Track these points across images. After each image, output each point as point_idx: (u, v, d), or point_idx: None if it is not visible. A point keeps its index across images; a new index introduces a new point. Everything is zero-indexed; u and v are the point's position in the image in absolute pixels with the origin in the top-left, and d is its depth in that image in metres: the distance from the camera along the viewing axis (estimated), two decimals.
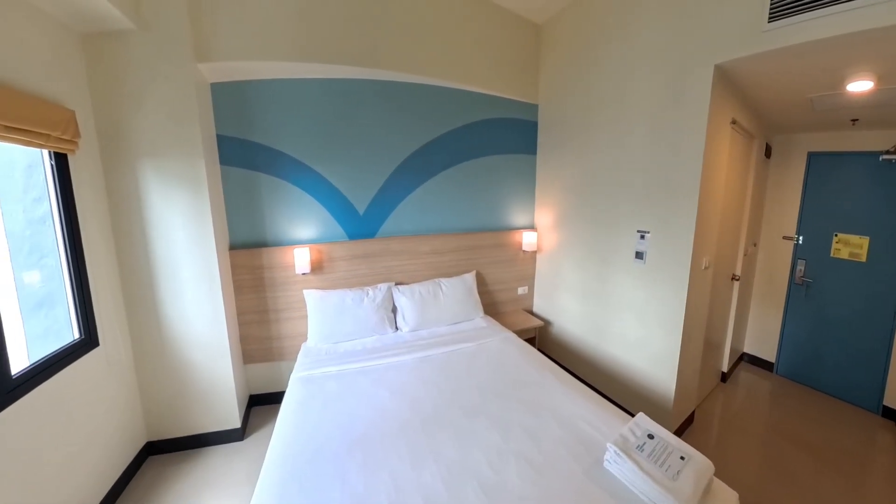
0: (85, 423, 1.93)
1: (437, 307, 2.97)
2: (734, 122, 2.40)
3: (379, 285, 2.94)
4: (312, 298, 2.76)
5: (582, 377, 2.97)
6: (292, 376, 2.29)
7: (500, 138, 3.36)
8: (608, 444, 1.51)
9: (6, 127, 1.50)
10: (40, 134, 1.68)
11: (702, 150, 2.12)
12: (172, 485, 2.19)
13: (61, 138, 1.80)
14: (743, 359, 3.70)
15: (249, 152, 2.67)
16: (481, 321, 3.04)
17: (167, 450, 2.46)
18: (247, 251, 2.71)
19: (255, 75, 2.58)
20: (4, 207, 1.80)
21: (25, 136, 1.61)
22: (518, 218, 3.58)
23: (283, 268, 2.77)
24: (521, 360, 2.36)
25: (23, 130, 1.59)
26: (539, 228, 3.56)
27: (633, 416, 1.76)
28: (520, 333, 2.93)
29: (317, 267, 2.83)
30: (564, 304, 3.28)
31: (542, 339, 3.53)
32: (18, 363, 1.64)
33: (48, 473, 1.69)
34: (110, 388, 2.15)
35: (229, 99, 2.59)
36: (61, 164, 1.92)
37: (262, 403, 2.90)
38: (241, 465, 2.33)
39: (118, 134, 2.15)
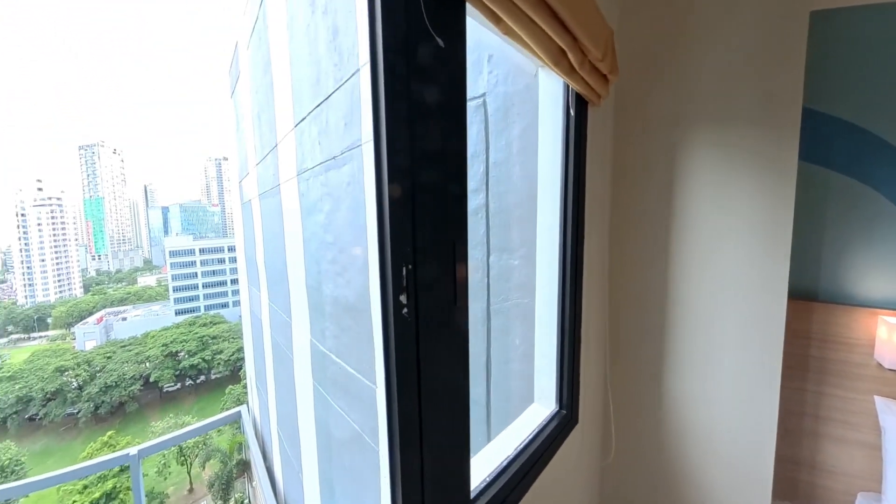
0: None
1: None
2: None
3: None
4: None
5: None
6: None
7: None
8: None
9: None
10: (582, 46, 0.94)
11: None
12: None
13: (596, 68, 1.09)
14: None
15: (849, 142, 1.59)
16: None
17: None
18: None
19: None
20: None
21: (543, 45, 0.84)
22: None
23: (846, 344, 1.56)
24: None
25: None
26: None
27: None
28: None
29: None
30: None
31: None
32: None
33: None
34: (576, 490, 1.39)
35: (835, 45, 1.54)
36: (581, 119, 1.26)
37: None
38: None
39: (657, 85, 1.49)
